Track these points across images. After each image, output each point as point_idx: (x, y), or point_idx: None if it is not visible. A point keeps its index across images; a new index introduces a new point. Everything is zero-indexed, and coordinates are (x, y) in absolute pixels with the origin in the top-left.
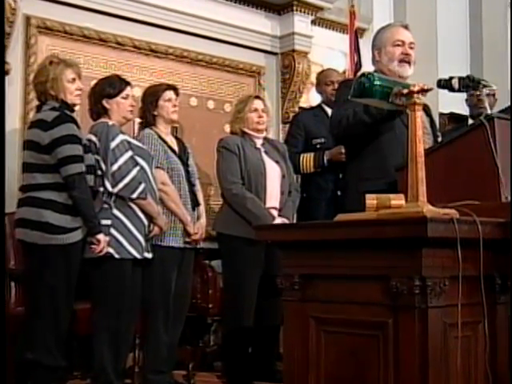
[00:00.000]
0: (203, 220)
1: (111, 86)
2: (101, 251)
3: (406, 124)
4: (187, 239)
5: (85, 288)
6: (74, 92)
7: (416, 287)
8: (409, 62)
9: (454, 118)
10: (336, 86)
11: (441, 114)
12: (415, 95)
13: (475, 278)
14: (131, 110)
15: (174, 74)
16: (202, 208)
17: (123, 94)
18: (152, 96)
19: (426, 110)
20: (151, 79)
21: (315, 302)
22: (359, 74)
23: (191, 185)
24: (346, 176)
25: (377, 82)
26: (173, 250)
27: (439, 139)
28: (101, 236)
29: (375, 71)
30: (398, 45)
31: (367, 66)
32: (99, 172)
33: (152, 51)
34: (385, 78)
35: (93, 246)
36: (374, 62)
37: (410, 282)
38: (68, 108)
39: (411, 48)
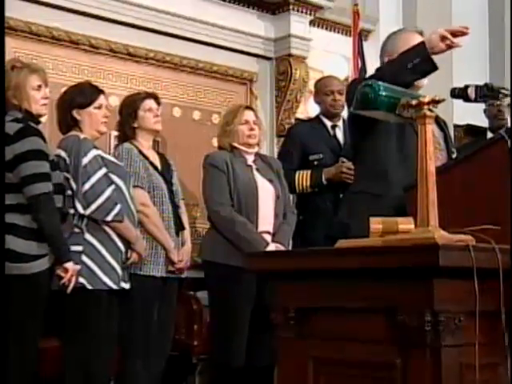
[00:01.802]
0: (188, 246)
1: (82, 94)
2: (69, 282)
3: None
4: (170, 268)
5: (53, 323)
6: (40, 101)
7: (427, 323)
8: None
9: (470, 130)
10: (336, 95)
11: (456, 126)
12: (425, 107)
13: (495, 314)
14: (105, 122)
15: (154, 80)
16: (186, 232)
17: (96, 103)
18: (130, 107)
19: (441, 124)
20: (129, 87)
21: (313, 340)
22: (363, 82)
23: (175, 206)
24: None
25: (382, 93)
26: (154, 279)
27: (454, 156)
28: (69, 264)
29: None
30: None
31: (372, 72)
32: (69, 192)
33: (130, 55)
34: (391, 88)
35: (62, 276)
36: None
37: (421, 317)
38: (33, 119)
39: None
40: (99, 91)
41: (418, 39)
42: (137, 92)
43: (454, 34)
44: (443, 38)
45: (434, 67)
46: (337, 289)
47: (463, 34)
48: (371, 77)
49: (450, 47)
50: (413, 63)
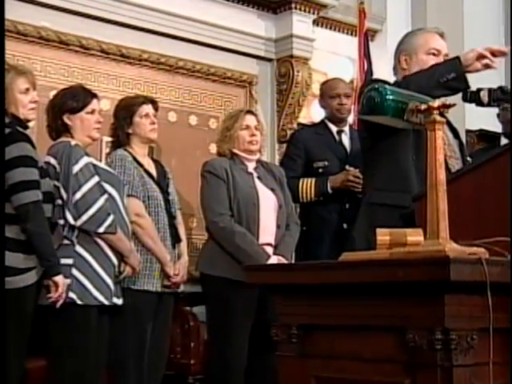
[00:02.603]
0: (185, 259)
1: (74, 98)
2: (60, 297)
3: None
4: (166, 282)
5: (39, 341)
6: (28, 105)
7: (438, 341)
8: None
9: (483, 136)
10: (343, 99)
11: (468, 132)
12: (435, 112)
13: (510, 331)
14: (98, 128)
15: (148, 83)
16: (183, 244)
17: (88, 108)
18: (126, 111)
19: (454, 131)
20: (121, 90)
21: (317, 358)
22: (369, 85)
23: (171, 216)
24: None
25: (389, 97)
26: (148, 294)
27: None
28: (59, 278)
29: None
30: (433, 54)
31: (379, 75)
32: (59, 201)
33: (123, 56)
34: (398, 92)
35: (51, 292)
36: (398, 69)
37: (431, 334)
38: (20, 124)
39: None
40: (92, 95)
41: (438, 41)
42: (134, 95)
43: (493, 54)
44: (480, 57)
45: (466, 85)
46: (342, 305)
47: (502, 54)
48: (396, 86)
49: (486, 67)
50: (446, 78)
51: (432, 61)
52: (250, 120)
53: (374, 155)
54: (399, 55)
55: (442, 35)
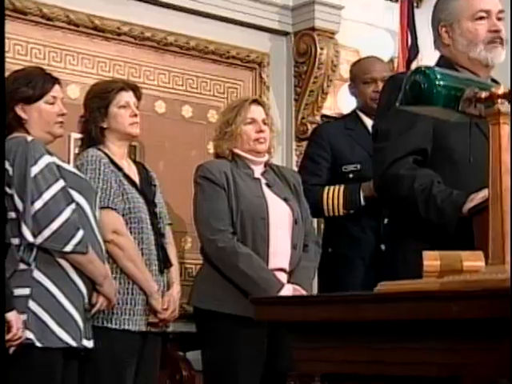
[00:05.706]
0: (176, 289)
1: (29, 84)
2: (13, 340)
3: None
4: (151, 319)
5: None
6: None
7: None
8: (501, 42)
9: None
10: (379, 85)
11: None
12: (499, 100)
13: None
14: (61, 122)
15: (130, 64)
16: (174, 270)
17: (48, 96)
18: (100, 99)
19: None
20: (95, 72)
21: None
22: (413, 67)
23: (159, 234)
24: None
25: (440, 82)
26: (129, 335)
27: None
28: (12, 315)
29: (440, 62)
30: (482, 17)
31: (427, 52)
32: (12, 214)
33: (96, 30)
34: (451, 75)
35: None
36: (440, 45)
37: None
38: None
39: (500, 19)
40: (53, 80)
41: (483, 1)
42: (111, 79)
43: None
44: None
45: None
46: (377, 349)
47: None
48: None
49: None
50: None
51: (482, 27)
52: (256, 112)
53: None
54: (438, 26)
55: None
